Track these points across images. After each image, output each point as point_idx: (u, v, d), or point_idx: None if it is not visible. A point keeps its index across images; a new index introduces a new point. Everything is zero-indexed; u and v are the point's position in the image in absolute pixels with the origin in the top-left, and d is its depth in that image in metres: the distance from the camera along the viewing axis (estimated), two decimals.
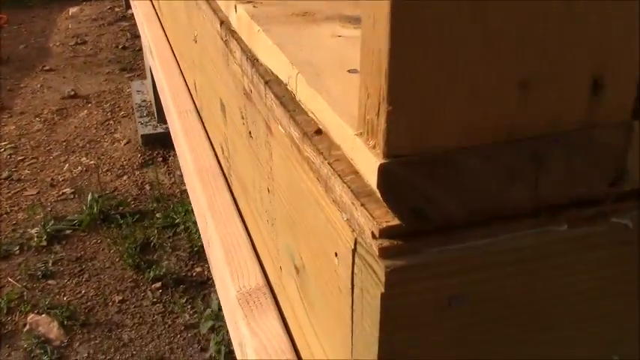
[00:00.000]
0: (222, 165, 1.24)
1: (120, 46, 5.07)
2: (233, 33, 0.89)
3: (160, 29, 1.96)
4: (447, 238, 0.49)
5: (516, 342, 0.55)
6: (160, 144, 3.21)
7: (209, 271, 2.32)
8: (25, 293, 2.27)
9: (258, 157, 0.87)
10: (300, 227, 0.71)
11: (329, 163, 0.57)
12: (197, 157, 1.28)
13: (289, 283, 0.81)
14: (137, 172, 3.06)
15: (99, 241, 2.54)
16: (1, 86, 4.34)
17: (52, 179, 3.06)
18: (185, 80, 1.61)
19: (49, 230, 2.57)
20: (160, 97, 1.77)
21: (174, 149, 3.14)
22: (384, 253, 0.48)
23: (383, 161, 0.44)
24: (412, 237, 0.49)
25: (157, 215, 2.64)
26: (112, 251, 2.47)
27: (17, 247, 2.51)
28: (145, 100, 3.57)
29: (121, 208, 2.73)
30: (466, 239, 0.50)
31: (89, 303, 2.22)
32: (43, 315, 2.14)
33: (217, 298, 2.10)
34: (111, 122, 3.63)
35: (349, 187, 0.53)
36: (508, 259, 0.51)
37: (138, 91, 3.72)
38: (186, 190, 2.65)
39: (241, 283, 0.94)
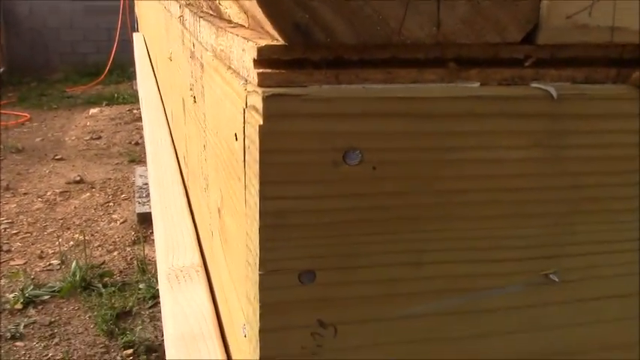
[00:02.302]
0: (184, 175, 1.19)
1: (133, 142, 5.18)
2: (187, 4, 0.88)
3: (152, 82, 1.98)
4: (339, 73, 0.44)
5: (418, 230, 0.48)
6: None
7: None
8: None
9: (199, 117, 0.83)
10: (219, 152, 0.65)
11: (231, 32, 0.53)
12: (159, 172, 1.24)
13: (217, 242, 0.74)
14: (128, 249, 3.00)
15: (76, 308, 2.44)
16: (11, 171, 4.40)
17: (41, 252, 3.01)
18: (166, 116, 1.61)
19: (27, 295, 2.48)
20: (144, 135, 1.76)
21: None
22: (264, 79, 0.43)
23: None
24: (298, 68, 0.44)
25: (140, 286, 2.55)
26: (87, 317, 2.37)
27: None
28: (146, 183, 3.58)
29: (105, 278, 2.65)
30: (361, 79, 0.44)
31: None
32: None
33: None
34: (111, 204, 3.62)
35: (243, 37, 0.48)
36: (411, 109, 0.45)
37: (141, 175, 3.74)
38: None
39: (175, 262, 0.87)
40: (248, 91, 0.46)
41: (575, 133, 0.49)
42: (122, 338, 2.20)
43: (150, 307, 2.43)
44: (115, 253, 2.95)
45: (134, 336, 2.21)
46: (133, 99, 6.78)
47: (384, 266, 0.48)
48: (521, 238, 0.51)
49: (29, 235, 3.22)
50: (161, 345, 2.20)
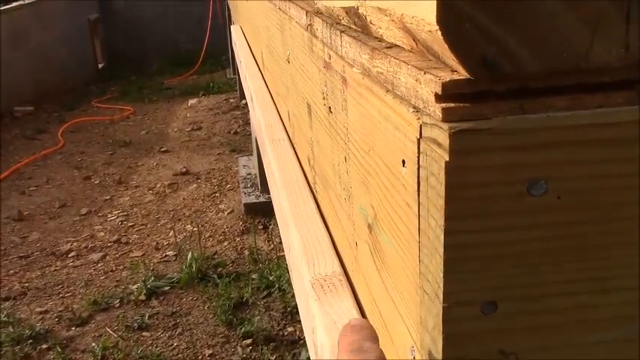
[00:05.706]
0: (309, 177, 1.21)
1: (232, 132, 5.31)
2: (315, 12, 0.89)
3: (261, 81, 2.02)
4: (523, 103, 0.43)
5: (602, 257, 0.46)
6: (262, 213, 3.25)
7: (301, 331, 2.24)
8: (119, 343, 2.28)
9: (336, 128, 0.84)
10: (371, 170, 0.66)
11: (394, 57, 0.53)
12: (284, 173, 1.26)
13: (364, 254, 0.75)
14: (237, 239, 3.09)
15: (195, 298, 2.55)
16: (122, 164, 4.62)
17: (157, 243, 3.15)
18: (280, 116, 1.63)
19: (148, 286, 2.61)
20: (257, 134, 1.80)
21: (274, 218, 3.17)
22: (448, 114, 0.43)
23: None
24: (482, 100, 0.43)
25: (253, 276, 2.63)
26: (206, 307, 2.46)
27: (117, 300, 2.56)
28: (250, 174, 3.67)
29: (219, 269, 2.75)
30: (545, 107, 0.43)
31: (180, 355, 2.20)
32: None
33: (307, 352, 2.02)
34: (217, 195, 3.74)
35: (414, 66, 0.48)
36: (599, 135, 0.43)
37: (244, 166, 3.84)
38: (283, 255, 2.64)
39: (317, 271, 0.89)
40: (424, 123, 0.46)
41: None
42: (241, 328, 2.28)
43: (264, 297, 2.50)
44: (226, 243, 3.05)
45: (252, 326, 2.29)
46: (228, 87, 6.96)
47: (567, 295, 0.47)
48: None
49: (144, 227, 3.38)
50: (277, 334, 2.26)
